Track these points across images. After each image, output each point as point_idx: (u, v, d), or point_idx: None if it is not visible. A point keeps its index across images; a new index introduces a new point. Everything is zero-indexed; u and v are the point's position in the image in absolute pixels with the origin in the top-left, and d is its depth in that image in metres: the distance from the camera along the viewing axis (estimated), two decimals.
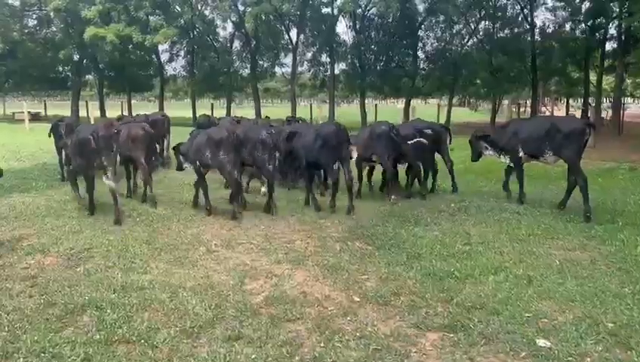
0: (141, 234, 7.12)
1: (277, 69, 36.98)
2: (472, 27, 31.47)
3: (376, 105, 34.02)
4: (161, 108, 34.74)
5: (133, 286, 5.19)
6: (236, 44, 36.33)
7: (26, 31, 33.20)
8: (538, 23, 31.11)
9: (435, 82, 31.89)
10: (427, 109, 37.12)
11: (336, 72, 34.03)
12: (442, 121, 30.37)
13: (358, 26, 32.39)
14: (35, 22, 34.50)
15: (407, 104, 31.13)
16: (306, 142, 8.73)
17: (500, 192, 9.68)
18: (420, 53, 32.50)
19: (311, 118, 31.90)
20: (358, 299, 4.90)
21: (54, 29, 34.57)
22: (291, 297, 4.95)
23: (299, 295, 5.02)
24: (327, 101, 46.86)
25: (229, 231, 7.42)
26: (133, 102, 39.73)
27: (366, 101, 33.38)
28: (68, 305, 4.72)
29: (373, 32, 33.23)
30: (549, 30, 30.43)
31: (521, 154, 8.53)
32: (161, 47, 35.24)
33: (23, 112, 28.97)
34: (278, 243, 6.72)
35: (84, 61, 35.17)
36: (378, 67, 32.96)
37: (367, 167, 10.30)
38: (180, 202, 9.63)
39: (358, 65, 32.45)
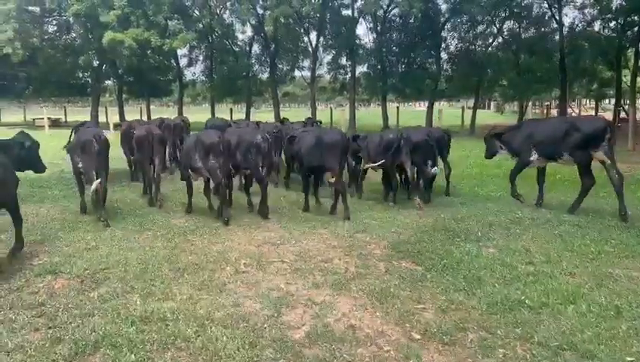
0: (162, 251, 6.42)
1: (296, 73, 36.30)
2: (497, 27, 30.42)
3: (397, 107, 33.13)
4: (180, 112, 34.37)
5: (153, 317, 4.48)
6: (255, 47, 35.82)
7: (46, 37, 32.96)
8: (566, 21, 29.91)
9: (459, 84, 30.87)
10: (451, 112, 36.25)
11: (357, 74, 33.22)
12: (467, 123, 29.46)
13: (379, 28, 31.59)
14: (55, 28, 34.34)
15: (430, 106, 30.20)
16: (306, 147, 8.71)
17: (551, 202, 8.85)
18: (442, 55, 31.54)
19: (331, 122, 31.23)
20: (419, 337, 4.11)
21: (74, 35, 34.38)
22: (338, 333, 4.18)
23: (346, 330, 4.25)
24: (344, 105, 46.22)
25: (257, 247, 6.68)
26: (152, 107, 39.39)
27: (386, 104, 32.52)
28: (78, 342, 4.02)
29: (395, 33, 32.38)
30: (578, 29, 29.23)
31: (533, 157, 8.27)
32: (179, 52, 34.90)
33: (43, 118, 28.74)
34: (314, 263, 5.96)
35: (104, 67, 34.88)
36: (400, 69, 32.08)
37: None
38: (203, 212, 8.97)
39: (379, 67, 31.61)
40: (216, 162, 8.00)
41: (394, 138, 9.03)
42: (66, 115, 37.93)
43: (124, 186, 11.29)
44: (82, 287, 5.24)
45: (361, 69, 33.51)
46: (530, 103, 33.66)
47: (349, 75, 32.84)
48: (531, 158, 8.28)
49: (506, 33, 30.91)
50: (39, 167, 8.47)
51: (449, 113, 35.14)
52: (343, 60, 33.50)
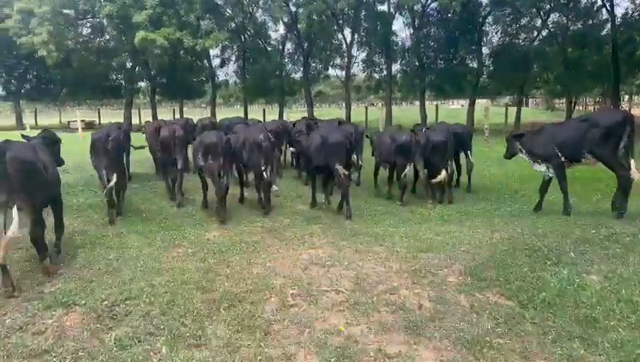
0: (193, 275, 5.42)
1: (330, 71, 35.28)
2: (542, 19, 28.63)
3: (437, 105, 31.65)
4: (213, 114, 33.78)
5: None
6: (288, 46, 34.94)
7: (80, 40, 32.87)
8: (618, 12, 27.92)
9: (502, 80, 29.14)
10: (492, 110, 34.65)
11: (393, 72, 31.94)
12: (510, 122, 27.81)
13: (416, 23, 30.22)
14: (89, 30, 34.24)
15: (472, 104, 28.67)
16: (312, 145, 8.79)
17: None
18: (484, 49, 29.93)
19: (366, 121, 30.04)
20: None
21: (107, 37, 34.20)
22: None
23: None
24: (375, 104, 44.93)
25: (304, 270, 5.61)
26: (185, 109, 38.94)
27: (415, 102, 31.10)
28: None
29: (433, 28, 30.95)
30: (631, 19, 27.19)
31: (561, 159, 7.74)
32: (212, 52, 34.37)
33: (76, 121, 28.49)
34: (377, 294, 4.85)
35: (137, 68, 34.62)
36: (438, 65, 30.64)
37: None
38: (238, 221, 7.98)
39: (416, 64, 30.25)
40: (215, 162, 8.02)
41: (406, 139, 9.21)
42: (99, 117, 37.78)
43: (153, 192, 10.40)
44: (97, 326, 4.26)
45: (397, 66, 32.28)
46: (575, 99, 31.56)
47: (385, 72, 31.55)
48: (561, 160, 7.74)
49: (551, 25, 29.12)
50: (60, 161, 7.53)
51: (495, 111, 33.54)
52: (378, 58, 32.27)
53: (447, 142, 9.40)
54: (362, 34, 32.14)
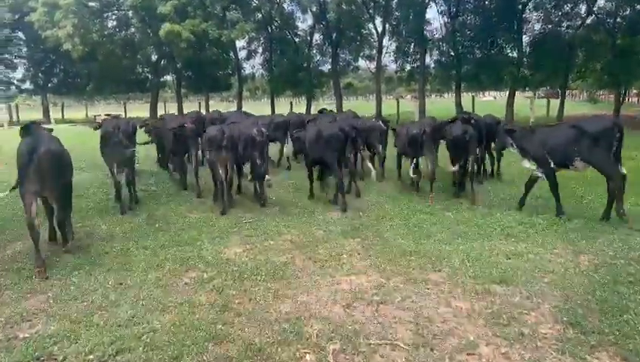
0: (206, 315, 4.26)
1: (360, 62, 33.86)
2: (588, 5, 26.55)
3: (473, 97, 29.87)
4: (240, 107, 32.82)
5: None
6: (316, 37, 33.62)
7: (106, 33, 32.18)
8: None
9: (544, 70, 27.13)
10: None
11: (426, 62, 30.35)
12: (553, 115, 25.97)
13: (452, 10, 28.52)
14: (115, 23, 33.53)
15: (512, 96, 26.88)
16: (308, 139, 8.80)
17: None
18: (524, 38, 28.00)
19: (398, 115, 28.58)
20: None
21: (133, 30, 33.47)
22: None
23: None
24: (403, 96, 43.36)
25: (346, 308, 4.38)
26: (211, 102, 38.11)
27: (444, 94, 29.40)
28: None
29: (470, 16, 29.17)
30: None
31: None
32: (238, 44, 33.41)
33: (100, 115, 27.90)
34: (448, 352, 3.58)
35: (162, 61, 33.86)
36: (475, 55, 28.88)
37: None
38: (265, 232, 6.81)
39: (452, 54, 28.58)
40: (215, 155, 8.16)
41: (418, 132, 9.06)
42: (125, 111, 37.21)
43: (170, 198, 9.30)
44: None
45: (431, 56, 30.67)
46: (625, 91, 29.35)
47: (418, 63, 29.97)
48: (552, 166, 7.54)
49: (597, 11, 26.99)
50: None
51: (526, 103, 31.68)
52: (411, 48, 30.68)
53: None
54: (394, 23, 30.58)
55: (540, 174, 7.70)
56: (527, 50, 28.06)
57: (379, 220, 7.58)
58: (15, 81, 38.32)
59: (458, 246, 6.09)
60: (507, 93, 28.44)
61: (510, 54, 28.03)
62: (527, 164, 7.94)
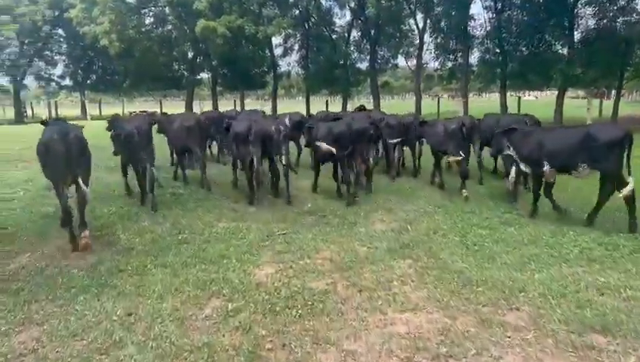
0: None
1: (399, 60, 32.60)
2: None
3: (519, 97, 28.16)
4: (274, 105, 32.19)
5: None
6: (354, 33, 32.52)
7: (143, 29, 32.01)
8: None
9: (597, 67, 25.24)
10: (576, 103, 30.97)
11: (470, 60, 28.90)
12: (606, 115, 24.19)
13: (498, 5, 26.99)
14: (152, 19, 33.35)
15: (562, 95, 25.18)
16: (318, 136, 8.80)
17: None
18: (576, 34, 26.14)
19: (438, 115, 27.25)
20: None
21: (169, 27, 33.22)
22: None
23: None
24: (441, 95, 41.85)
25: None
26: (246, 100, 37.57)
27: (485, 94, 27.79)
28: None
29: (516, 11, 27.52)
30: None
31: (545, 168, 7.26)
32: (274, 41, 32.71)
33: (136, 112, 27.62)
34: None
35: (198, 58, 33.51)
36: (522, 53, 27.23)
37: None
38: (301, 248, 5.89)
39: (497, 51, 27.04)
40: (244, 150, 8.30)
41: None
42: (161, 108, 37.06)
43: (198, 203, 8.50)
44: None
45: (474, 54, 29.20)
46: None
47: (461, 60, 28.55)
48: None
49: None
50: None
51: (572, 104, 29.92)
52: (454, 44, 29.25)
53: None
54: (436, 19, 29.20)
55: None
56: (579, 47, 26.25)
57: (430, 235, 6.59)
58: (55, 78, 38.75)
59: (532, 275, 5.04)
60: (548, 92, 26.73)
61: (560, 51, 26.29)
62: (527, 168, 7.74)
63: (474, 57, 29.35)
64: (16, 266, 5.37)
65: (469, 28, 28.09)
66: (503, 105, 26.13)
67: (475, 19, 28.52)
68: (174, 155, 11.39)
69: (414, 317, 4.11)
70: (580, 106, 27.40)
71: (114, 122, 9.49)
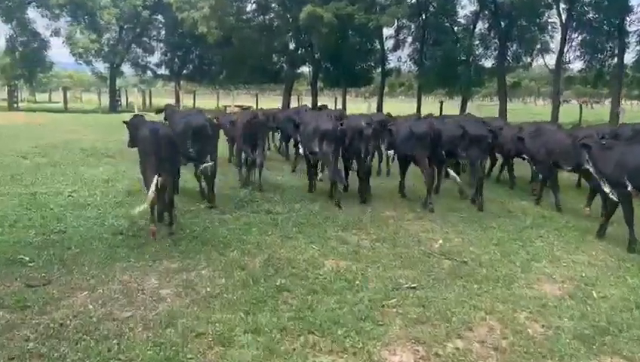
0: None
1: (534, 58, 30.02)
2: None
3: None
4: (380, 104, 30.94)
5: None
6: (479, 25, 30.49)
7: (244, 17, 32.13)
8: None
9: None
10: None
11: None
12: None
13: None
14: (254, 6, 33.41)
15: None
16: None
17: None
18: None
19: (580, 121, 24.46)
20: None
21: (272, 15, 33.11)
22: None
23: None
24: (568, 100, 38.05)
25: None
26: (347, 97, 36.57)
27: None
28: None
29: None
30: None
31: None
32: (385, 33, 31.45)
33: (230, 106, 27.72)
34: None
35: (300, 50, 33.09)
36: None
37: None
38: (447, 319, 4.37)
39: None
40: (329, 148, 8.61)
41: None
42: (257, 103, 37.17)
43: (297, 228, 7.27)
44: None
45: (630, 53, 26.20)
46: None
47: (616, 59, 25.63)
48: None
49: None
50: None
51: None
52: (605, 41, 26.37)
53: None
54: (584, 9, 26.42)
55: (615, 198, 7.11)
56: None
57: (629, 310, 4.82)
58: (151, 66, 40.31)
59: None
60: None
61: None
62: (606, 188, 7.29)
63: (631, 57, 26.30)
64: (62, 315, 4.34)
65: (625, 22, 25.21)
66: None
67: (634, 12, 25.56)
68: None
69: None
70: None
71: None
